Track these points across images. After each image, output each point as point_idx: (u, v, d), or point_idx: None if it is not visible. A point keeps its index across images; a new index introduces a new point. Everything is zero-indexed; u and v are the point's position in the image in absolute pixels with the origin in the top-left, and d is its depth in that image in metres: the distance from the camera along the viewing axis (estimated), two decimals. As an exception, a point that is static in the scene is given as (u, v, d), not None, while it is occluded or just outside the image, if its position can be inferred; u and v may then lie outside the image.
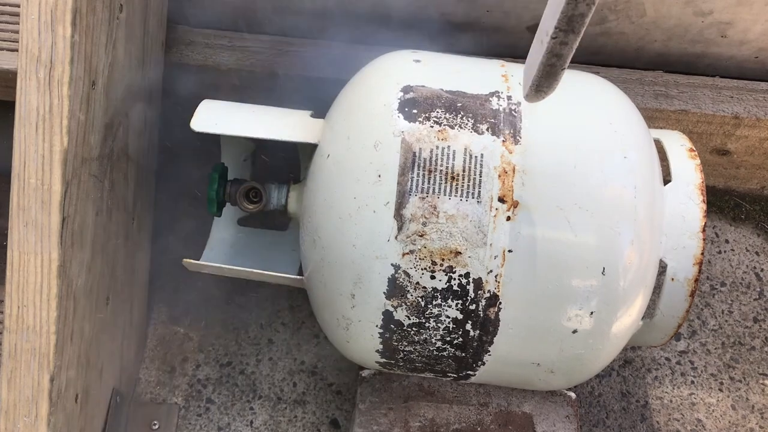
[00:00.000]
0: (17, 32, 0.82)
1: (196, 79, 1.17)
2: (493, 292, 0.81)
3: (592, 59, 1.27)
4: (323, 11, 1.19)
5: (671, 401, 1.21)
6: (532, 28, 1.22)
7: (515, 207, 0.80)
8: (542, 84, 0.65)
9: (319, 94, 1.01)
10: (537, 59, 0.63)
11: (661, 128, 1.16)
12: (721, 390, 1.22)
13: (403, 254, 0.80)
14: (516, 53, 1.26)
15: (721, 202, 1.38)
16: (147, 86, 1.08)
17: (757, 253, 1.34)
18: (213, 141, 1.07)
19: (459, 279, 0.81)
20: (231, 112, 0.97)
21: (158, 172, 1.18)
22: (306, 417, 1.16)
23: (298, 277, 0.96)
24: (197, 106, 0.96)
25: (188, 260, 0.99)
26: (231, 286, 1.24)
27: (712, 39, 1.22)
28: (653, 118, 1.22)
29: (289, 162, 1.13)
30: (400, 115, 0.83)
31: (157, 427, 1.13)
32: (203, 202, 1.01)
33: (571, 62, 1.22)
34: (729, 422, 1.20)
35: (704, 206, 0.89)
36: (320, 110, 0.97)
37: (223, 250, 1.10)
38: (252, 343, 1.21)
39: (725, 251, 1.34)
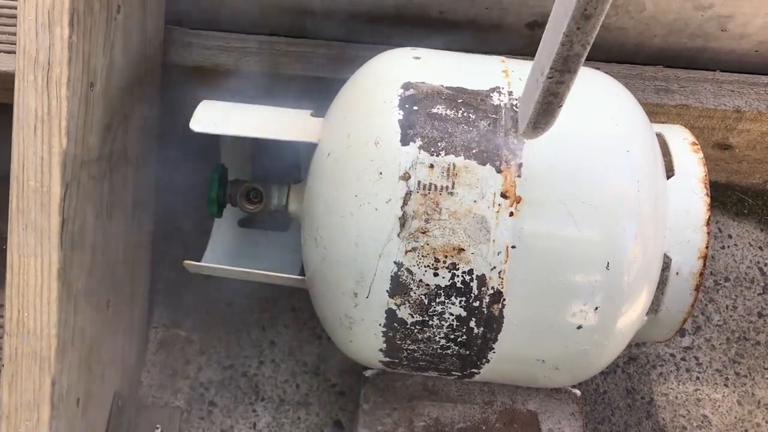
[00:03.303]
0: (14, 34, 0.82)
1: (194, 80, 1.17)
2: (497, 289, 0.80)
3: (592, 55, 1.25)
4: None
5: (677, 397, 1.20)
6: (532, 25, 1.21)
7: (518, 203, 0.79)
8: (540, 121, 0.65)
9: (318, 93, 1.00)
10: (533, 97, 0.63)
11: (663, 123, 1.15)
12: (726, 385, 1.22)
13: (406, 252, 0.80)
14: (514, 50, 1.26)
15: (724, 197, 1.38)
16: (145, 88, 1.08)
17: (760, 247, 1.33)
18: (212, 142, 1.07)
19: (462, 276, 0.80)
20: (230, 113, 0.96)
21: (158, 174, 1.18)
22: (309, 418, 1.15)
23: (300, 277, 0.96)
24: (196, 107, 0.95)
25: (189, 262, 0.99)
26: (232, 287, 1.23)
27: (712, 33, 1.22)
28: (654, 113, 1.21)
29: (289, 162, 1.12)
30: (401, 111, 0.82)
31: (159, 430, 1.12)
32: (204, 203, 1.01)
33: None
34: (735, 418, 1.19)
35: (708, 199, 0.88)
36: (320, 109, 0.96)
37: (224, 251, 1.10)
38: (254, 345, 1.21)
39: (728, 246, 1.33)
